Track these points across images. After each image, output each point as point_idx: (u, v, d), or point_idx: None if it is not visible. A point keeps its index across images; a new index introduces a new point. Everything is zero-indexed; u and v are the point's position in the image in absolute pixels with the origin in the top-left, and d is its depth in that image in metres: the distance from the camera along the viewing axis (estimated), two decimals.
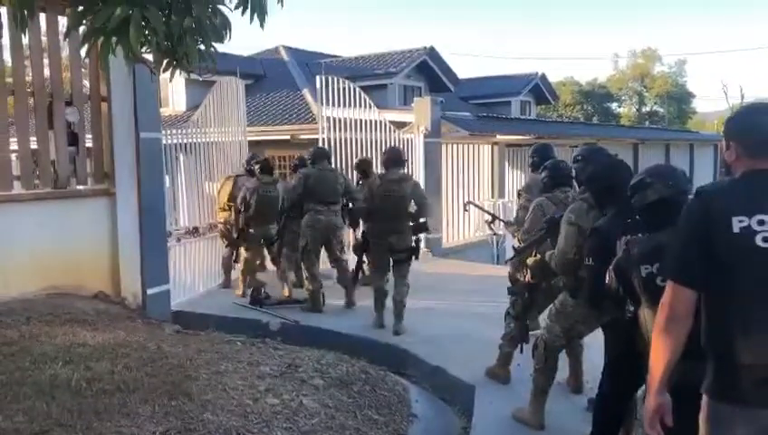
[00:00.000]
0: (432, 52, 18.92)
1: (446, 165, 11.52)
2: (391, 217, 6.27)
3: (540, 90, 25.45)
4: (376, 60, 19.04)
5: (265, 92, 17.91)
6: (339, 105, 9.81)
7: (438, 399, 5.00)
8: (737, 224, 1.95)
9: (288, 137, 14.33)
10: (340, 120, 9.81)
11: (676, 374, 2.12)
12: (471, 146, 12.23)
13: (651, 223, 2.76)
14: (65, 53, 6.47)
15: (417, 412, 4.27)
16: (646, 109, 49.64)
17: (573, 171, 4.55)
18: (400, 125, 11.17)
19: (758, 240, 1.93)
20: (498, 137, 13.15)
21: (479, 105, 22.91)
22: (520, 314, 4.68)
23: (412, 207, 6.38)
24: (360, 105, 10.04)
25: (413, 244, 6.38)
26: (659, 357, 2.09)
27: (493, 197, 12.97)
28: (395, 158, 6.53)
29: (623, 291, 2.85)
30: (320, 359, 4.70)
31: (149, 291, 6.46)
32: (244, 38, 20.15)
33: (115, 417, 3.25)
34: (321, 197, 6.99)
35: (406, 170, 6.80)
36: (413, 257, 6.40)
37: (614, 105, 50.28)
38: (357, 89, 9.97)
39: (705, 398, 2.04)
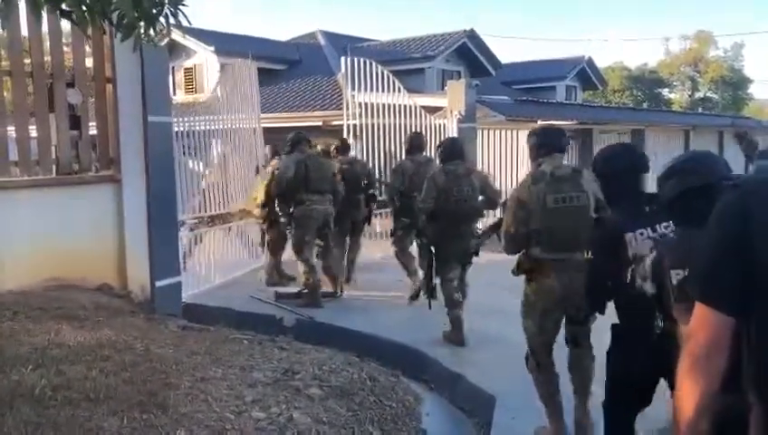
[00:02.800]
0: (472, 34, 18.29)
1: (481, 151, 10.99)
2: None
3: (586, 74, 24.56)
4: (413, 43, 18.51)
5: (300, 78, 17.59)
6: (368, 89, 9.39)
7: (457, 410, 4.56)
8: None
9: (320, 123, 13.94)
10: (368, 105, 9.38)
11: (717, 412, 1.57)
12: (509, 132, 11.64)
13: (681, 217, 2.36)
14: (67, 29, 6.17)
15: (426, 427, 3.83)
16: (699, 95, 47.78)
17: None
18: (437, 110, 10.68)
19: None
20: (539, 123, 12.50)
21: (522, 90, 22.19)
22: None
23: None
24: (391, 89, 9.58)
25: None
26: (688, 402, 1.55)
27: None
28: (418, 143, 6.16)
29: (656, 300, 2.34)
30: (324, 363, 4.28)
31: (158, 283, 6.13)
32: (284, 23, 19.96)
33: (76, 432, 2.88)
34: (316, 186, 6.63)
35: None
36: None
37: (665, 91, 48.51)
38: (386, 72, 9.52)
39: None
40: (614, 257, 2.86)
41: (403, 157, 7.03)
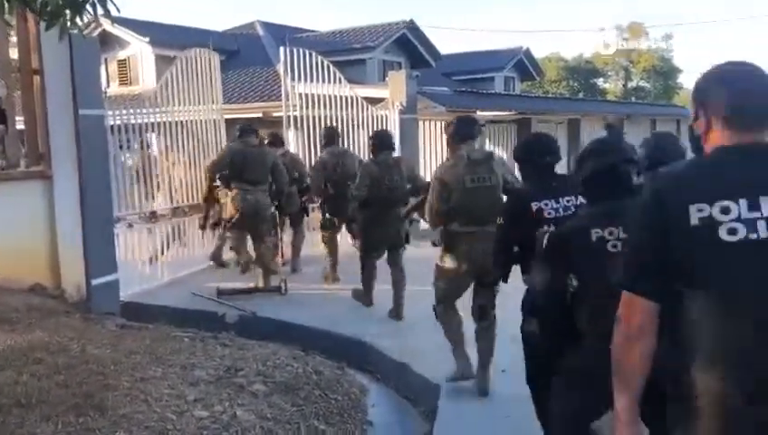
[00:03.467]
0: (412, 25, 18.33)
1: (422, 142, 11.03)
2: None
3: (524, 65, 24.94)
4: (354, 34, 18.42)
5: (239, 69, 17.28)
6: (308, 80, 9.28)
7: (403, 399, 4.57)
8: (696, 214, 1.51)
9: (260, 114, 13.73)
10: (309, 96, 9.28)
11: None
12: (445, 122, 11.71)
13: (594, 194, 2.64)
14: None
15: (373, 419, 3.83)
16: (632, 84, 49.16)
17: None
18: (378, 101, 10.64)
19: (722, 233, 1.48)
20: (478, 113, 12.63)
21: (462, 81, 22.37)
22: None
23: None
24: (332, 80, 9.50)
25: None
26: (624, 382, 1.68)
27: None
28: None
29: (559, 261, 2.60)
30: (268, 358, 4.23)
31: (94, 281, 5.95)
32: (221, 13, 19.55)
33: None
34: (248, 176, 6.61)
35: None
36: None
37: (600, 81, 49.74)
38: (327, 63, 9.42)
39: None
40: (520, 224, 3.22)
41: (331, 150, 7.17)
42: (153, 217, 7.29)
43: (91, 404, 3.10)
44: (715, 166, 1.59)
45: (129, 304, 6.34)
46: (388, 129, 10.05)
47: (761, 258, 1.48)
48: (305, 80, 9.24)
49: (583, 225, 2.52)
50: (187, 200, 7.87)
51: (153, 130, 7.74)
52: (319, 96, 9.34)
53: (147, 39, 16.44)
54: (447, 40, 67.90)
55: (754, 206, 1.48)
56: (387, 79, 10.99)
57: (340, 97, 9.61)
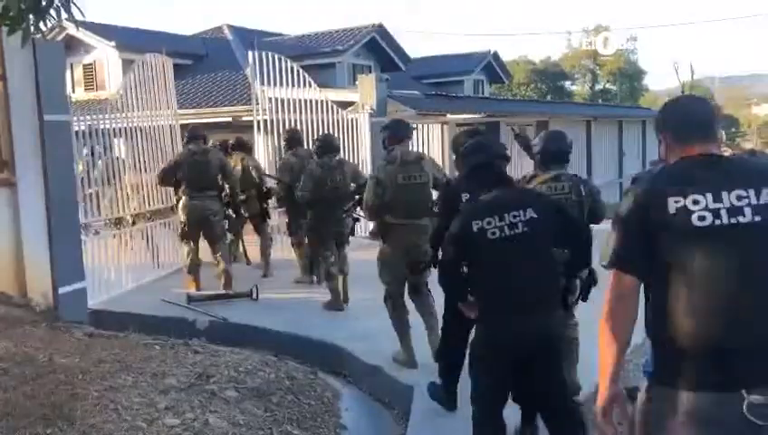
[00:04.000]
0: (381, 29, 18.38)
1: None
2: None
3: (493, 68, 25.13)
4: (323, 38, 18.40)
5: (207, 73, 17.15)
6: (277, 84, 9.25)
7: (376, 402, 4.57)
8: (674, 205, 1.93)
9: (230, 119, 13.63)
10: (278, 101, 9.25)
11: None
12: (420, 126, 11.75)
13: (474, 187, 3.28)
14: None
15: (346, 423, 3.82)
16: (599, 87, 49.89)
17: None
18: (349, 105, 10.64)
19: (693, 220, 1.91)
20: (448, 116, 12.72)
21: (432, 84, 22.48)
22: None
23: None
24: (301, 84, 9.48)
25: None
26: (608, 347, 2.03)
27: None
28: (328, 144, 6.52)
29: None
30: (240, 364, 4.20)
31: (61, 290, 5.85)
32: (188, 18, 19.40)
33: None
34: (194, 182, 6.76)
35: (342, 154, 6.67)
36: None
37: (567, 83, 50.40)
38: (296, 67, 9.41)
39: (647, 383, 2.05)
40: (453, 214, 3.45)
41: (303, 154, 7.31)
42: (119, 223, 7.20)
43: (60, 415, 3.05)
44: (682, 170, 2.02)
45: (97, 311, 6.25)
46: (359, 132, 10.10)
47: (723, 239, 1.89)
48: (274, 84, 9.21)
49: (465, 219, 3.09)
50: (147, 206, 7.78)
51: (117, 136, 7.66)
52: (288, 100, 9.32)
53: (112, 43, 16.23)
54: (416, 43, 68.19)
55: (717, 198, 1.90)
56: (357, 82, 10.98)
57: (310, 101, 9.59)
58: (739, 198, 1.91)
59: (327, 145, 6.46)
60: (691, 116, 2.11)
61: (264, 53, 9.13)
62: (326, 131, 9.21)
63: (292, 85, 9.45)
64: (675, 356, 1.92)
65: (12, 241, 5.58)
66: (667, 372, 1.95)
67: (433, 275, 4.04)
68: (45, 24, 2.58)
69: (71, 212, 6.02)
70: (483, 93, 24.30)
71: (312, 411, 3.73)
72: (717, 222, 1.89)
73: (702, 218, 1.90)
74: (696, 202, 1.91)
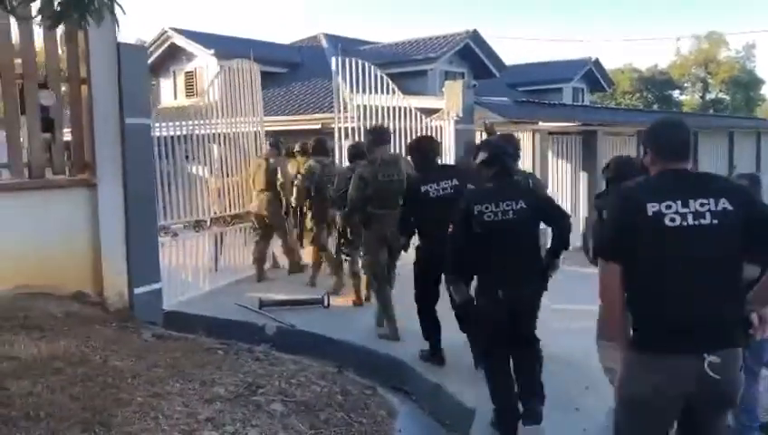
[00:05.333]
0: (475, 35, 18.03)
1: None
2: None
3: (594, 76, 24.18)
4: (415, 45, 18.27)
5: (301, 81, 17.41)
6: (362, 91, 9.18)
7: (436, 423, 4.32)
8: (651, 208, 2.46)
9: (319, 126, 13.73)
10: (362, 108, 9.16)
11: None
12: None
13: (484, 177, 4.00)
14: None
15: None
16: (710, 96, 47.23)
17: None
18: (436, 112, 10.42)
19: (666, 221, 2.45)
20: (540, 124, 12.22)
21: (528, 92, 21.90)
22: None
23: None
24: (386, 91, 9.36)
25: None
26: (608, 314, 2.69)
27: None
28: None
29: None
30: (294, 375, 4.07)
31: (137, 290, 5.96)
32: (288, 26, 19.87)
33: None
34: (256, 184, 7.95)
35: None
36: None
37: (676, 93, 47.98)
38: (381, 74, 9.28)
39: (626, 350, 2.59)
40: (414, 202, 5.00)
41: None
42: (198, 225, 7.29)
43: (99, 420, 3.00)
44: (659, 182, 2.59)
45: (171, 313, 6.32)
46: (444, 139, 9.84)
47: (688, 236, 2.44)
48: (359, 90, 9.13)
49: (468, 202, 3.87)
50: (230, 210, 7.86)
51: (209, 141, 7.80)
52: (373, 107, 9.22)
53: (211, 51, 16.75)
54: (514, 51, 67.02)
55: (685, 205, 2.45)
56: (443, 89, 10.74)
57: (395, 108, 9.45)
58: (702, 205, 2.45)
59: (354, 151, 6.79)
60: (671, 140, 2.63)
61: (348, 60, 9.06)
62: (410, 139, 9.05)
63: (377, 92, 9.35)
64: (651, 328, 2.50)
65: (90, 241, 5.71)
66: (645, 340, 2.52)
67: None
68: (86, 21, 2.52)
69: (149, 214, 6.12)
70: (583, 102, 23.42)
71: (362, 431, 3.53)
72: (684, 223, 2.44)
73: (673, 220, 2.44)
74: (668, 207, 2.45)
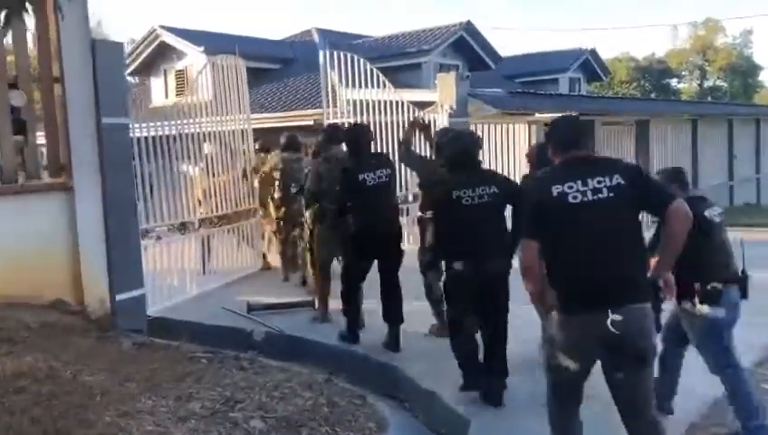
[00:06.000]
0: (469, 26, 17.76)
1: None
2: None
3: (590, 66, 23.94)
4: (409, 38, 17.99)
5: (294, 77, 17.15)
6: (351, 85, 8.94)
7: (431, 433, 4.09)
8: (555, 190, 2.90)
9: (311, 122, 13.48)
10: (353, 102, 8.92)
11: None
12: (504, 126, 11.14)
13: (453, 167, 4.49)
14: None
15: None
16: (708, 84, 46.97)
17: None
18: (430, 105, 10.18)
19: (569, 199, 2.88)
20: (537, 115, 11.97)
21: (524, 84, 21.66)
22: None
23: None
24: (377, 85, 9.12)
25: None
26: (533, 297, 3.16)
27: None
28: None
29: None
30: (279, 385, 3.85)
31: (119, 296, 5.73)
32: (280, 22, 19.64)
33: None
34: None
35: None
36: None
37: (674, 81, 47.69)
38: (371, 67, 9.04)
39: (554, 314, 3.01)
40: (350, 190, 5.42)
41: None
42: (183, 228, 7.05)
43: None
44: (561, 169, 3.04)
45: (156, 319, 6.09)
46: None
47: (589, 210, 2.85)
48: (349, 84, 8.89)
49: (446, 188, 4.35)
50: (217, 211, 7.63)
51: (196, 142, 7.57)
52: (364, 101, 8.98)
53: (201, 49, 16.46)
54: (509, 42, 66.55)
55: (585, 183, 2.87)
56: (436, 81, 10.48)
57: (387, 102, 9.21)
58: (599, 182, 2.86)
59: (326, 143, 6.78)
60: (565, 134, 3.10)
61: (337, 53, 8.81)
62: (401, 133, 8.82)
63: (368, 86, 9.11)
64: (567, 292, 2.92)
65: (69, 246, 5.47)
66: (563, 303, 2.93)
67: None
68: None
69: (129, 217, 5.89)
70: (579, 92, 23.15)
71: None
72: (585, 199, 2.85)
73: (575, 197, 2.85)
74: (570, 187, 2.87)
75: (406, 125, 9.22)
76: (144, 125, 6.83)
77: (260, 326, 5.87)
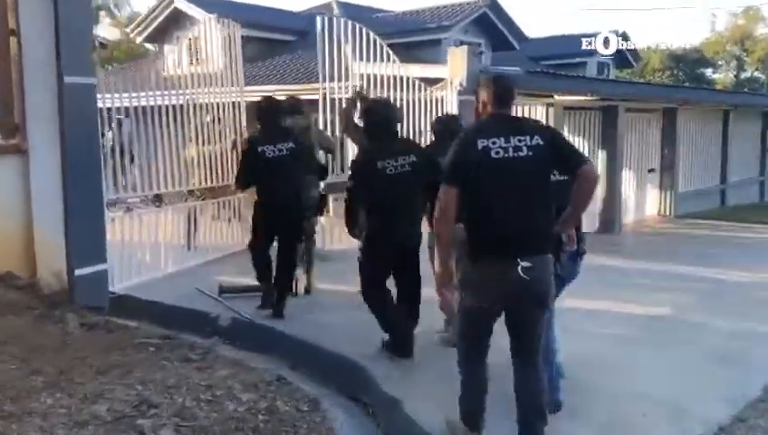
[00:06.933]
0: (493, 4, 17.07)
1: None
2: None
3: (621, 51, 22.96)
4: (430, 13, 17.31)
5: (310, 49, 16.58)
6: (356, 58, 8.40)
7: None
8: (480, 144, 3.22)
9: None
10: (359, 76, 8.38)
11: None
12: (519, 107, 10.49)
13: (373, 137, 4.79)
14: None
15: None
16: (745, 75, 45.34)
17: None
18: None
19: (492, 154, 3.18)
20: (556, 98, 11.31)
21: (550, 66, 20.83)
22: None
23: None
24: (382, 58, 8.55)
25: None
26: (442, 239, 3.38)
27: None
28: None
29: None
30: (215, 385, 3.36)
31: (78, 271, 5.26)
32: None
33: None
34: None
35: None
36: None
37: (708, 71, 46.11)
38: (375, 38, 8.47)
39: (466, 260, 3.40)
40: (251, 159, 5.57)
41: None
42: (158, 200, 6.59)
43: None
44: (487, 124, 3.43)
45: (120, 297, 5.65)
46: (446, 111, 9.01)
47: (509, 166, 3.20)
48: (353, 57, 8.35)
49: (368, 158, 4.49)
50: (204, 183, 7.14)
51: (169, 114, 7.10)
52: (366, 75, 8.43)
53: (214, 15, 15.93)
54: (536, 23, 64.61)
55: (507, 141, 3.22)
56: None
57: (396, 77, 8.64)
58: (520, 140, 3.19)
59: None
60: (501, 91, 3.40)
61: (336, 20, 8.27)
62: (411, 110, 8.29)
63: (376, 60, 8.56)
64: (481, 241, 3.22)
65: (22, 215, 5.04)
66: (476, 251, 3.23)
67: None
68: None
69: (93, 185, 5.42)
70: (608, 77, 22.28)
71: None
72: (506, 155, 3.17)
73: (497, 153, 3.16)
74: (494, 142, 3.18)
75: (413, 102, 8.69)
76: (126, 95, 6.37)
77: (229, 311, 5.39)
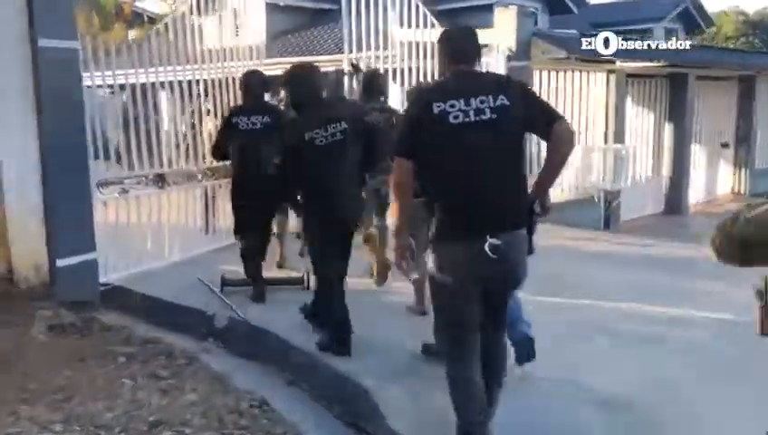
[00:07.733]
0: None
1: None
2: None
3: (690, 15, 21.31)
4: None
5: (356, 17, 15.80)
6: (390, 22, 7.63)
7: None
8: (436, 108, 2.65)
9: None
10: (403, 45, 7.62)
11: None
12: (576, 74, 9.45)
13: (299, 106, 4.18)
14: None
15: None
16: None
17: None
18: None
19: (450, 118, 2.64)
20: (618, 64, 10.19)
21: (614, 33, 19.42)
22: None
23: None
24: (422, 24, 7.71)
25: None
26: (398, 211, 2.87)
27: (606, 141, 10.12)
28: None
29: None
30: (167, 421, 2.66)
31: (61, 262, 4.70)
32: None
33: None
34: None
35: None
36: None
37: None
38: (417, 3, 7.62)
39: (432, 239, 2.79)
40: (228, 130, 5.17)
41: None
42: (160, 180, 5.93)
43: None
44: (444, 84, 2.92)
45: (113, 289, 5.05)
46: None
47: (471, 131, 2.63)
48: (384, 21, 7.57)
49: (299, 129, 4.03)
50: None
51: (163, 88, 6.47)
52: (405, 43, 7.62)
53: None
54: None
55: (467, 103, 2.65)
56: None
57: (433, 45, 7.76)
58: (482, 102, 2.66)
59: None
60: (461, 44, 2.83)
61: None
62: None
63: (417, 26, 7.76)
64: (444, 219, 2.73)
65: None
66: (439, 231, 2.74)
67: None
68: None
69: (78, 164, 4.80)
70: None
71: None
72: (467, 119, 2.64)
73: (456, 117, 2.64)
74: (452, 106, 2.65)
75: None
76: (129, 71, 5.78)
77: (225, 310, 4.70)
